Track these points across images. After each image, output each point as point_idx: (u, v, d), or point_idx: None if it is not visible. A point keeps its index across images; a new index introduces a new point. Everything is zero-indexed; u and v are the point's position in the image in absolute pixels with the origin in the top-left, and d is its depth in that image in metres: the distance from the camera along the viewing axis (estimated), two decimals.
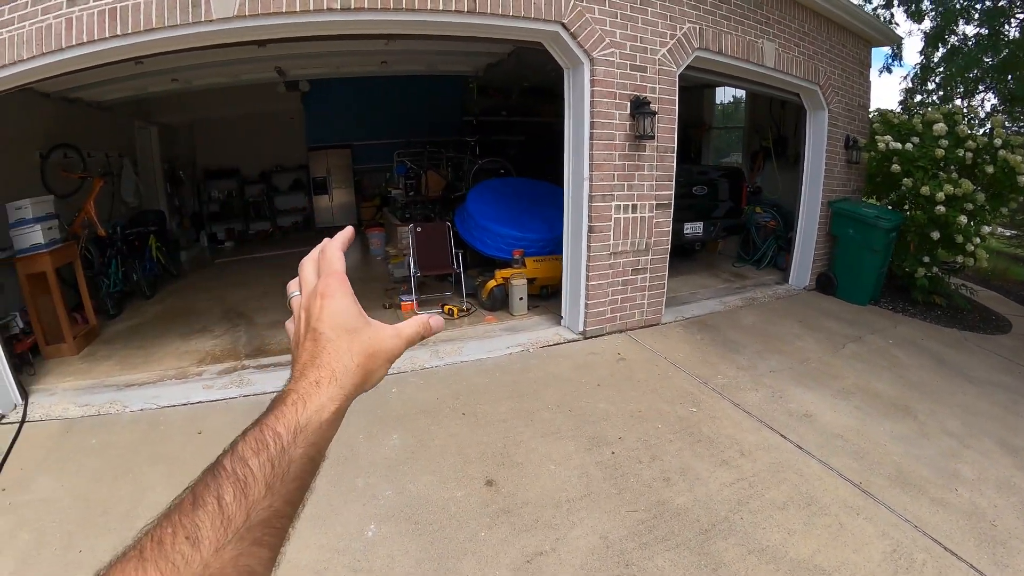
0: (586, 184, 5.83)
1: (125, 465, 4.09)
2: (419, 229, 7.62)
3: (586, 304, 6.09)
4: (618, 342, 6.14)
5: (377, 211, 13.33)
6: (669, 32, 6.08)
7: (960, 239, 7.37)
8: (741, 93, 11.67)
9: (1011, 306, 8.90)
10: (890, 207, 8.39)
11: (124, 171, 9.49)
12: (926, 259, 7.68)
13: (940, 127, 7.52)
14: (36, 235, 6.10)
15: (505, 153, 12.13)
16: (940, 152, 7.36)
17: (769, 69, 7.01)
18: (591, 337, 6.17)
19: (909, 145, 7.60)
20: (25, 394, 5.44)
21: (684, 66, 6.29)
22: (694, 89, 10.79)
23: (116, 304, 7.94)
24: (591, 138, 5.70)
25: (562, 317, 6.51)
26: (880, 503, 3.75)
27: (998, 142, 7.30)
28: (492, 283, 7.24)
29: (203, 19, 4.50)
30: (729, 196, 8.93)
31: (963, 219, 7.32)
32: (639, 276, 6.37)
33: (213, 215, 13.19)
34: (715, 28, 6.38)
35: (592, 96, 5.62)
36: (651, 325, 6.53)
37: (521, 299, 7.02)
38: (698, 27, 6.25)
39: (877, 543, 3.37)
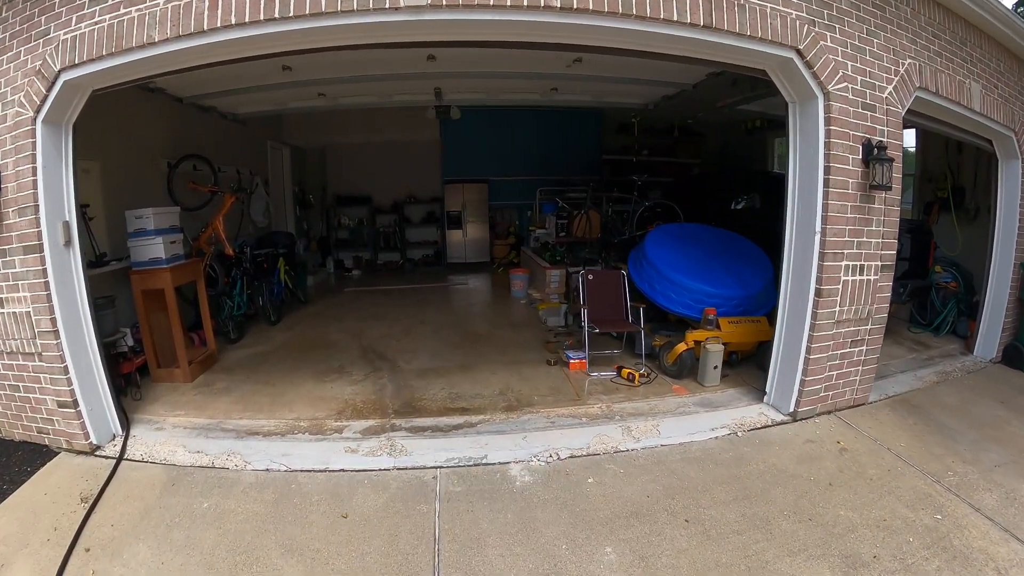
0: (816, 239, 4.76)
1: (247, 547, 3.15)
2: (591, 276, 6.46)
3: (801, 380, 4.92)
4: (831, 426, 4.95)
5: (511, 250, 12.45)
6: (893, 68, 5.06)
7: None
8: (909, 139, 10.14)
9: None
10: None
11: (256, 190, 8.81)
12: None
13: None
14: (157, 248, 5.41)
15: (645, 195, 11.26)
16: None
17: (974, 113, 5.85)
18: (801, 419, 4.99)
19: None
20: (127, 422, 4.52)
21: (907, 107, 5.19)
22: None
23: (238, 328, 7.09)
24: (825, 185, 4.67)
25: (765, 393, 5.29)
26: None
27: None
28: (682, 347, 5.85)
29: (387, 6, 3.55)
30: (914, 254, 7.59)
31: None
32: (856, 348, 5.15)
33: (341, 242, 12.68)
34: (931, 65, 5.38)
35: (827, 136, 4.66)
36: (859, 404, 5.29)
37: (716, 368, 5.65)
38: (917, 63, 5.22)
39: None
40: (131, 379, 5.22)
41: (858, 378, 5.29)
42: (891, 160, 4.88)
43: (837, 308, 4.95)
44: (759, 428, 4.83)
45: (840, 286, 4.91)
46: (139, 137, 6.43)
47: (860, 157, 4.86)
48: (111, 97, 4.30)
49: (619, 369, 5.86)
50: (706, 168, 12.30)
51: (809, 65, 4.55)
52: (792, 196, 4.97)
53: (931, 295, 8.01)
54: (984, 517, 3.74)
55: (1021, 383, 6.13)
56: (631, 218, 8.63)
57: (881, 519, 3.71)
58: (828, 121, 4.67)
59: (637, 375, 5.70)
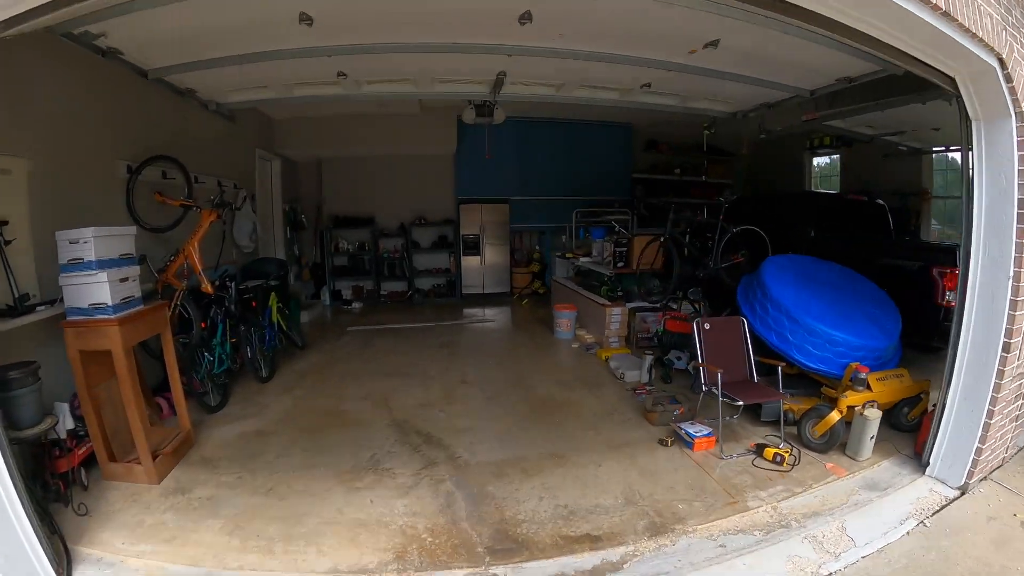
0: (1009, 284, 3.89)
1: None
2: (708, 326, 4.98)
3: (978, 448, 4.05)
4: (997, 496, 4.06)
5: (533, 279, 10.79)
6: None
7: None
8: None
9: None
10: None
11: (243, 207, 6.96)
12: None
13: None
14: (99, 289, 3.60)
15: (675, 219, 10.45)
16: None
17: None
18: (969, 492, 4.06)
19: None
20: (67, 558, 2.87)
21: None
22: (908, 155, 9.16)
23: (220, 389, 5.26)
24: (1019, 220, 3.79)
25: (925, 462, 4.32)
26: None
27: None
28: (835, 416, 4.45)
29: None
30: None
31: None
32: (1018, 403, 4.35)
33: (338, 269, 10.61)
34: None
35: (1021, 163, 3.83)
36: (1003, 464, 4.49)
37: (872, 438, 4.42)
38: None
39: None
40: (72, 480, 3.47)
41: (1012, 435, 4.50)
42: None
43: (1018, 363, 4.08)
44: (938, 511, 3.85)
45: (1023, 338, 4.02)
46: (87, 127, 4.54)
47: None
48: (46, 66, 3.10)
49: (759, 448, 4.35)
50: (761, 190, 11.02)
51: (1009, 78, 3.75)
52: (977, 227, 4.05)
53: None
54: None
55: None
56: (715, 247, 6.97)
57: None
58: (1014, 145, 3.84)
59: (786, 455, 4.24)
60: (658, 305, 7.08)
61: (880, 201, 7.57)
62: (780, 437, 4.58)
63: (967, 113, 4.00)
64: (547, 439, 4.59)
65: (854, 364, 4.68)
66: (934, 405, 4.52)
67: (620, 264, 7.60)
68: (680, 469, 4.07)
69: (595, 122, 10.12)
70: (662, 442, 4.47)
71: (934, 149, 9.31)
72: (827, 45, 4.12)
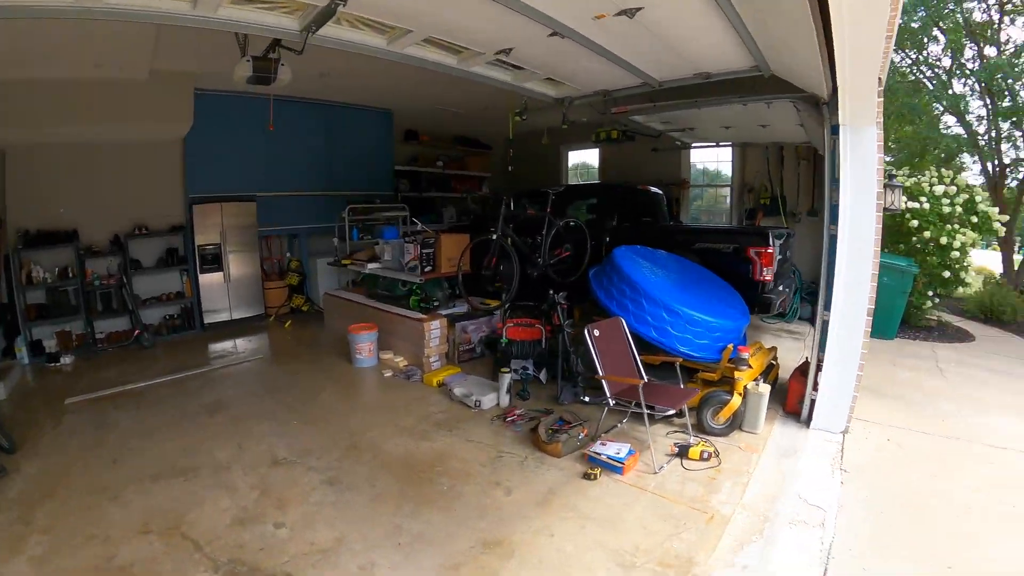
0: (871, 260, 4.74)
1: None
2: (598, 332, 4.62)
3: (853, 396, 4.83)
4: (865, 428, 5.02)
5: (292, 293, 8.87)
6: None
7: (963, 276, 9.03)
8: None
9: (971, 325, 10.03)
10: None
11: None
12: (930, 293, 9.07)
13: (950, 190, 8.91)
14: None
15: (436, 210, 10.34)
16: (947, 210, 8.76)
17: None
18: (847, 432, 4.86)
19: (926, 205, 8.86)
20: None
21: None
22: (671, 149, 10.49)
23: None
24: (877, 210, 4.66)
25: (807, 417, 4.99)
26: None
27: (978, 198, 9.02)
28: (738, 400, 4.67)
29: None
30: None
31: (971, 259, 9.05)
32: None
33: (36, 309, 7.10)
34: None
35: (879, 164, 4.63)
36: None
37: (764, 410, 4.82)
38: None
39: None
40: None
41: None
42: (901, 186, 5.59)
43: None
44: (841, 456, 4.51)
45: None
46: None
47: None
48: None
49: (682, 449, 4.26)
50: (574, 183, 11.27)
51: (880, 94, 4.47)
52: (843, 218, 4.75)
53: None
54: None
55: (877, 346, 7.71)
56: (543, 242, 6.58)
57: None
58: (879, 149, 4.58)
59: (711, 450, 4.28)
60: (493, 311, 6.54)
61: (658, 190, 8.24)
62: (688, 433, 4.55)
63: (835, 117, 4.50)
64: (459, 523, 3.39)
65: (730, 346, 4.93)
66: (800, 366, 5.32)
67: (428, 268, 6.63)
68: (633, 503, 3.61)
69: (355, 106, 8.85)
70: (587, 476, 3.90)
71: (694, 145, 10.58)
72: (734, 35, 4.13)
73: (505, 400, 5.18)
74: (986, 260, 12.88)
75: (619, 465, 3.94)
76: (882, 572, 3.09)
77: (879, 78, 4.16)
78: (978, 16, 11.69)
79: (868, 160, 4.53)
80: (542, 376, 5.73)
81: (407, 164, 10.52)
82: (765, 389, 4.71)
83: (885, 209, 4.85)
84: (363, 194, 9.11)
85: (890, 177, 5.31)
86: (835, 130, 4.54)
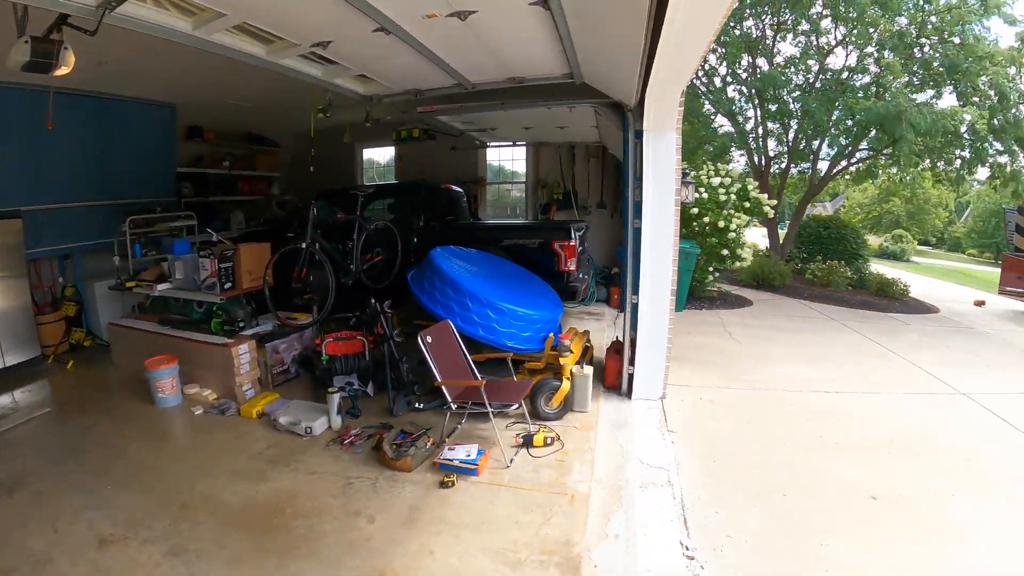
0: (672, 249, 5.41)
1: None
2: (430, 339, 4.64)
3: (666, 367, 5.57)
4: (679, 392, 5.88)
5: (70, 327, 7.24)
6: None
7: (739, 252, 10.52)
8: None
9: (747, 292, 12.20)
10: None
11: None
12: (711, 268, 10.62)
13: (725, 180, 10.40)
14: None
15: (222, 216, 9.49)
16: (723, 198, 10.23)
17: None
18: (665, 398, 5.69)
19: (705, 194, 10.25)
20: None
21: None
22: (470, 149, 10.94)
23: None
24: (675, 205, 5.35)
25: (627, 390, 5.65)
26: None
27: (750, 187, 10.63)
28: (567, 385, 5.06)
29: None
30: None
31: (745, 239, 10.73)
32: None
33: None
34: None
35: (677, 164, 5.30)
36: None
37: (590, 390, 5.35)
38: None
39: None
40: None
41: None
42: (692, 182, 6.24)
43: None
44: (665, 420, 5.21)
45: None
46: None
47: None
48: None
49: (526, 439, 4.52)
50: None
51: (682, 104, 5.05)
52: (647, 209, 5.27)
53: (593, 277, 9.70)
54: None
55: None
56: (355, 247, 6.33)
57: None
58: (677, 151, 5.22)
59: (554, 434, 4.64)
60: (306, 326, 6.20)
61: (459, 189, 8.48)
62: (527, 422, 4.83)
63: (640, 123, 5.01)
64: (332, 565, 3.20)
65: (551, 335, 5.30)
66: (612, 344, 5.86)
67: (228, 285, 6.02)
68: (496, 501, 3.77)
69: (134, 100, 7.48)
70: (444, 484, 3.92)
71: (491, 144, 11.08)
72: (558, 46, 4.31)
73: (337, 422, 4.92)
74: (754, 237, 14.91)
75: (473, 467, 4.07)
76: (730, 510, 3.72)
77: (683, 89, 4.75)
78: (755, 33, 14.07)
79: (668, 162, 5.12)
80: (370, 390, 5.61)
81: (191, 165, 9.40)
82: (589, 370, 5.23)
83: (680, 203, 5.50)
84: (143, 202, 7.85)
85: (684, 175, 5.99)
86: (639, 135, 5.06)
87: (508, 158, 12.14)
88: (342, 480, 4.08)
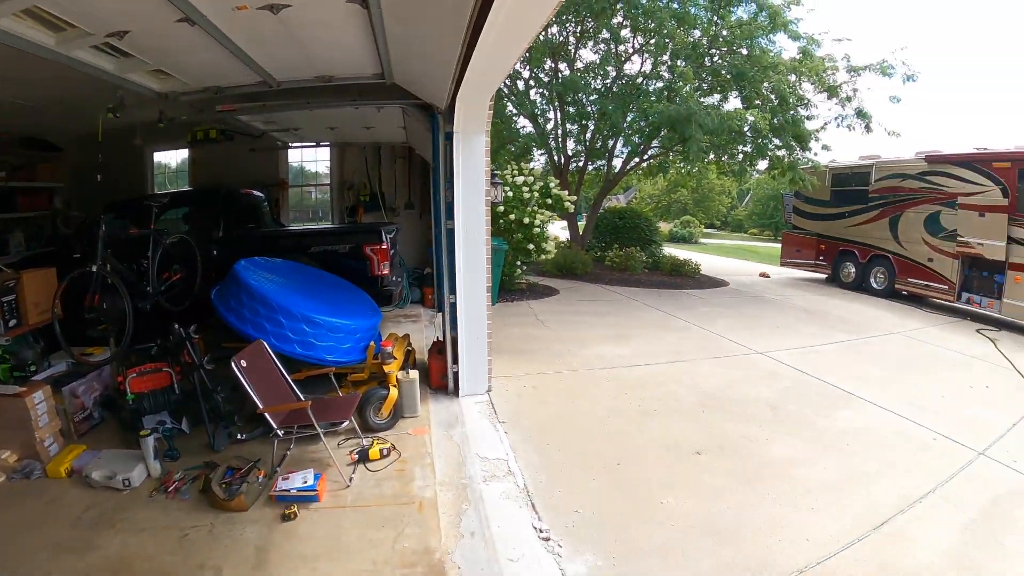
0: (485, 247, 5.62)
1: None
2: (244, 362, 4.31)
3: (489, 360, 5.88)
4: (504, 383, 6.17)
5: None
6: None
7: (544, 245, 11.32)
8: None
9: (553, 281, 13.11)
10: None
11: None
12: (518, 262, 11.39)
13: (528, 179, 11.17)
14: None
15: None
16: (527, 195, 10.96)
17: None
18: (491, 391, 5.98)
19: (510, 192, 10.86)
20: None
21: None
22: (271, 150, 10.31)
23: None
24: (486, 205, 5.57)
25: (453, 388, 5.83)
26: None
27: (552, 185, 11.75)
28: (395, 393, 5.04)
29: None
30: None
31: (548, 233, 11.66)
32: None
33: None
34: None
35: (486, 166, 5.52)
36: None
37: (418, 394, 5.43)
38: None
39: None
40: None
41: None
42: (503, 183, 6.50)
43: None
44: (495, 412, 5.46)
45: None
46: None
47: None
48: None
49: (363, 454, 4.44)
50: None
51: (491, 107, 5.17)
52: (458, 211, 5.40)
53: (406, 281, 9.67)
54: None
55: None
56: (151, 266, 5.66)
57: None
58: (486, 153, 5.40)
59: (389, 444, 4.59)
60: (104, 362, 5.37)
61: (259, 193, 7.98)
62: (359, 436, 4.70)
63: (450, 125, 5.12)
64: None
65: (372, 343, 5.27)
66: (434, 345, 6.07)
67: (13, 322, 5.03)
68: (345, 524, 3.65)
69: None
70: (286, 517, 3.68)
71: (292, 144, 10.57)
72: (372, 46, 4.28)
73: (156, 468, 4.33)
74: (556, 230, 16.32)
75: (312, 493, 3.90)
76: (573, 487, 4.06)
77: (493, 92, 4.99)
78: (559, 38, 14.94)
79: (478, 163, 5.34)
80: (185, 426, 5.07)
81: None
82: (414, 374, 5.29)
83: (493, 202, 5.86)
84: None
85: (493, 175, 6.10)
86: (449, 137, 5.21)
87: (311, 159, 11.71)
88: (176, 532, 3.62)
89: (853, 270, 15.57)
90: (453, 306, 5.58)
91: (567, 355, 7.18)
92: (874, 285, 14.94)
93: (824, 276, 16.82)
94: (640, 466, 4.44)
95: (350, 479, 4.11)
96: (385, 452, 4.43)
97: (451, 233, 5.43)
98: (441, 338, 5.91)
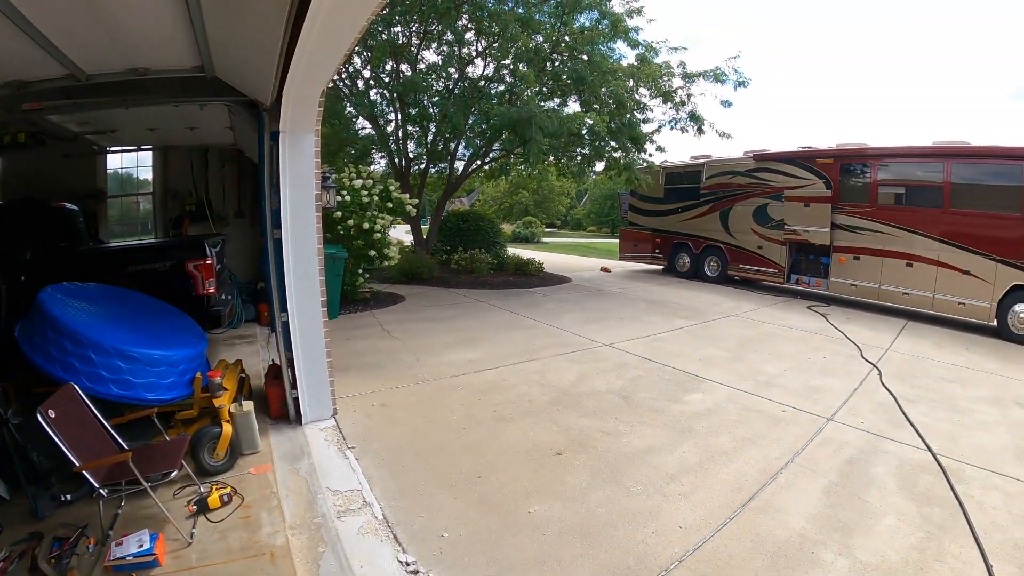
0: (317, 257, 5.28)
1: None
2: (53, 412, 3.69)
3: (331, 380, 5.48)
4: (351, 403, 5.89)
5: None
6: None
7: (386, 251, 11.32)
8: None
9: (398, 288, 12.96)
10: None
11: None
12: (360, 271, 11.13)
13: (368, 182, 11.02)
14: None
15: None
16: (366, 200, 10.84)
17: None
18: (337, 414, 5.62)
19: (348, 197, 10.62)
20: None
21: None
22: (87, 156, 9.23)
23: None
24: (317, 211, 5.22)
25: (296, 416, 5.38)
26: None
27: (392, 188, 11.69)
28: (229, 429, 4.56)
29: None
30: None
31: (390, 238, 11.59)
32: None
33: None
34: None
35: (315, 168, 5.20)
36: None
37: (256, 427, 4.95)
38: None
39: None
40: None
41: None
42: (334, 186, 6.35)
43: None
44: (343, 437, 5.13)
45: None
46: None
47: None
48: None
49: (200, 503, 3.98)
50: None
51: (321, 104, 4.93)
52: (285, 218, 5.01)
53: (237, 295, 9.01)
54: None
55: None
56: None
57: None
58: (316, 154, 5.10)
59: (230, 489, 4.16)
60: None
61: (73, 206, 7.07)
62: (196, 483, 4.24)
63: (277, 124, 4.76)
64: None
65: (199, 375, 4.79)
66: (270, 370, 5.63)
67: None
68: None
69: None
70: None
71: (111, 149, 9.51)
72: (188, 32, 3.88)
73: None
74: (398, 235, 15.92)
75: (151, 558, 3.41)
76: (435, 510, 3.93)
77: (323, 88, 4.67)
78: (401, 39, 14.71)
79: (307, 165, 5.01)
80: (3, 491, 4.30)
81: None
82: (249, 405, 4.83)
83: (323, 208, 5.49)
84: None
85: (325, 178, 5.92)
86: (275, 136, 4.83)
87: (132, 165, 10.62)
88: None
89: (688, 260, 17.14)
90: (286, 325, 5.17)
91: (416, 366, 7.03)
92: (708, 273, 16.56)
93: (661, 267, 18.34)
94: (502, 475, 4.43)
95: (191, 535, 3.64)
96: (226, 498, 3.99)
97: (279, 244, 5.01)
98: (277, 361, 5.48)
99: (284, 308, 5.11)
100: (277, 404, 5.36)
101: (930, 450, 5.25)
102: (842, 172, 13.29)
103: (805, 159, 14.00)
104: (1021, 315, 10.45)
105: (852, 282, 13.15)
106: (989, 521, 4.07)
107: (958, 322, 11.79)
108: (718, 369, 7.43)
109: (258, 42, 3.74)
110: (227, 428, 4.50)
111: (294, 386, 5.26)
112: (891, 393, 6.78)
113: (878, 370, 7.77)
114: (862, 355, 8.61)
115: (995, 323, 10.90)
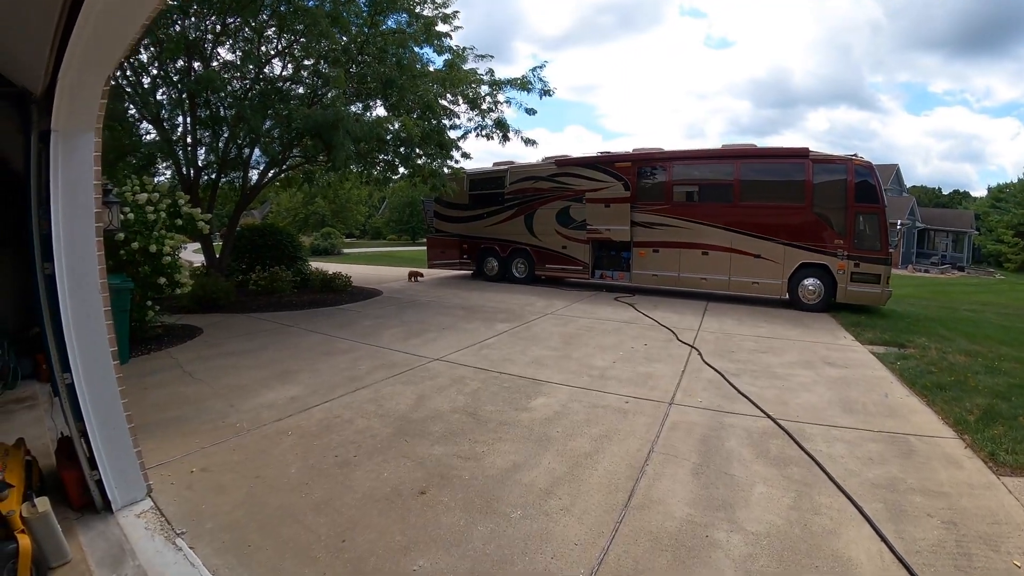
0: (101, 294, 4.09)
1: None
2: None
3: (138, 452, 4.29)
4: (169, 473, 4.75)
5: None
6: None
7: (178, 277, 9.82)
8: None
9: (194, 318, 11.35)
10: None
11: None
12: (149, 303, 9.47)
13: (154, 196, 9.51)
14: None
15: None
16: (152, 217, 9.28)
17: None
18: (153, 491, 4.40)
19: (131, 215, 9.05)
20: None
21: None
22: None
23: None
24: (98, 234, 4.10)
25: (105, 502, 4.15)
26: None
27: (181, 202, 10.27)
28: (26, 544, 3.23)
29: None
30: None
31: (182, 261, 10.20)
32: None
33: None
34: None
35: (96, 178, 4.11)
36: None
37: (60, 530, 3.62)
38: None
39: None
40: None
41: None
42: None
43: None
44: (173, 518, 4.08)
45: None
46: None
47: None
48: None
49: None
50: None
51: (104, 95, 3.89)
52: (58, 245, 3.90)
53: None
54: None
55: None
56: None
57: None
58: (97, 160, 3.98)
59: None
60: None
61: None
62: None
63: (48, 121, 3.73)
64: None
65: None
66: (60, 446, 4.31)
67: None
68: None
69: None
70: None
71: None
72: None
73: None
74: (188, 255, 14.70)
75: None
76: None
77: (110, 75, 3.72)
78: (194, 33, 12.87)
79: (86, 175, 3.95)
80: None
81: None
82: (45, 503, 3.54)
83: (104, 231, 4.40)
84: None
85: (106, 192, 4.87)
86: (45, 137, 3.78)
87: None
88: None
89: (496, 264, 17.51)
90: (71, 388, 3.93)
91: (231, 413, 5.92)
92: (516, 275, 17.04)
93: (470, 272, 18.48)
94: (369, 533, 3.77)
95: None
96: None
97: (52, 280, 3.84)
98: (67, 432, 4.23)
99: (66, 366, 3.90)
100: (77, 491, 4.06)
101: (769, 416, 5.77)
102: (639, 174, 14.57)
103: (604, 163, 15.13)
104: (810, 287, 12.86)
105: (653, 272, 14.55)
106: (843, 469, 4.61)
107: (752, 299, 13.39)
108: (551, 369, 7.46)
109: (24, 11, 2.87)
110: (24, 541, 3.19)
111: (93, 466, 4.02)
112: (716, 370, 7.36)
113: (697, 351, 8.41)
114: (678, 338, 9.28)
115: (787, 296, 13.15)
